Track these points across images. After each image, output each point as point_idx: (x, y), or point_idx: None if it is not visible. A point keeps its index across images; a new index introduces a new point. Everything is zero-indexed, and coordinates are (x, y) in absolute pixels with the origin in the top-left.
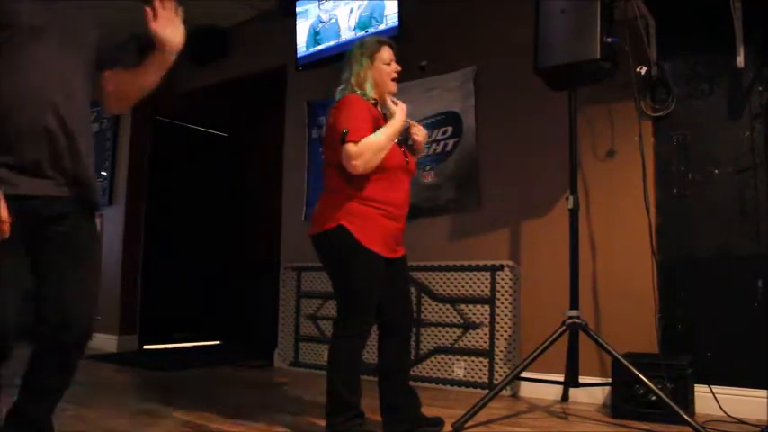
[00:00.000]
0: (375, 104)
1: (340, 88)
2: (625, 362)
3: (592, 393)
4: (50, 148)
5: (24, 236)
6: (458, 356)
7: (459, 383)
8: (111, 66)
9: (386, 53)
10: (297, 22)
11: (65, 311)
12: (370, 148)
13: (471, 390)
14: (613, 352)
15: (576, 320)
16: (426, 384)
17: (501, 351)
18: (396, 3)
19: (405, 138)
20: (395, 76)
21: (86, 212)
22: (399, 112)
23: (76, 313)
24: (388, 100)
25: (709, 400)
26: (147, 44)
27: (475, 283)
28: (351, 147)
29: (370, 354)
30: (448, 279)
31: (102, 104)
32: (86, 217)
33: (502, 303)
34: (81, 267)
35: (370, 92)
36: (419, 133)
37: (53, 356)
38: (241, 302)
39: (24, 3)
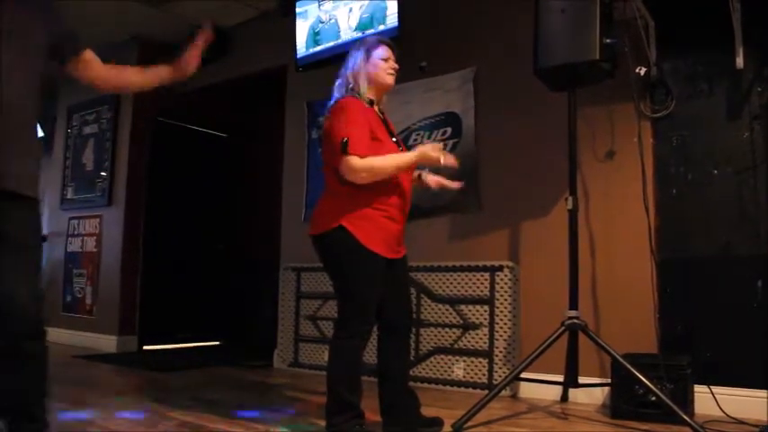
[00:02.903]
0: (371, 104)
1: (337, 83)
2: (624, 362)
3: (591, 394)
4: None
5: None
6: (457, 357)
7: (459, 384)
8: (82, 48)
9: (384, 51)
10: (297, 22)
11: (8, 305)
12: (373, 168)
13: (471, 390)
14: (613, 352)
15: (575, 321)
16: (426, 385)
17: (500, 351)
18: (395, 3)
19: (405, 141)
20: (391, 72)
21: (17, 202)
22: (422, 153)
23: (20, 305)
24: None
25: (709, 400)
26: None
27: (474, 283)
28: (355, 161)
29: (370, 354)
30: (447, 280)
31: (90, 84)
32: (18, 207)
33: (501, 304)
34: (21, 262)
35: (365, 88)
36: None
37: (13, 353)
38: (241, 303)
39: None
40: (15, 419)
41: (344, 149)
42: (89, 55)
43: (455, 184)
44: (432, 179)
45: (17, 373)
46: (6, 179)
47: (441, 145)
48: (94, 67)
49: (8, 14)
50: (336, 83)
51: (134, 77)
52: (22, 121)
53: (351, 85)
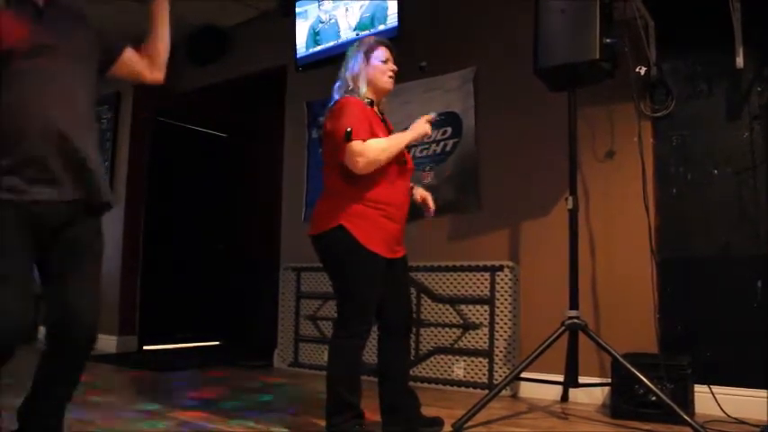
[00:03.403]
0: (371, 105)
1: (336, 85)
2: (625, 362)
3: (591, 394)
4: (56, 156)
5: (32, 240)
6: (457, 357)
7: (459, 384)
8: (119, 51)
9: (382, 52)
10: (297, 22)
11: (71, 312)
12: (375, 147)
13: (471, 390)
14: (613, 352)
15: (575, 321)
16: (426, 385)
17: (501, 351)
18: (395, 3)
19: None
20: (390, 74)
21: (93, 214)
22: (417, 129)
23: (82, 313)
24: (423, 117)
25: (709, 400)
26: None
27: (474, 283)
28: (357, 144)
29: (370, 354)
30: (447, 279)
31: (140, 80)
32: (92, 218)
33: (501, 304)
34: (85, 269)
35: (364, 89)
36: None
37: (61, 357)
38: (241, 303)
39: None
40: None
41: (348, 137)
42: (128, 53)
43: (431, 213)
44: (418, 193)
45: (64, 382)
46: (103, 192)
47: (431, 116)
48: (135, 62)
49: (63, 34)
50: (336, 85)
51: (160, 35)
52: (96, 134)
53: (350, 87)
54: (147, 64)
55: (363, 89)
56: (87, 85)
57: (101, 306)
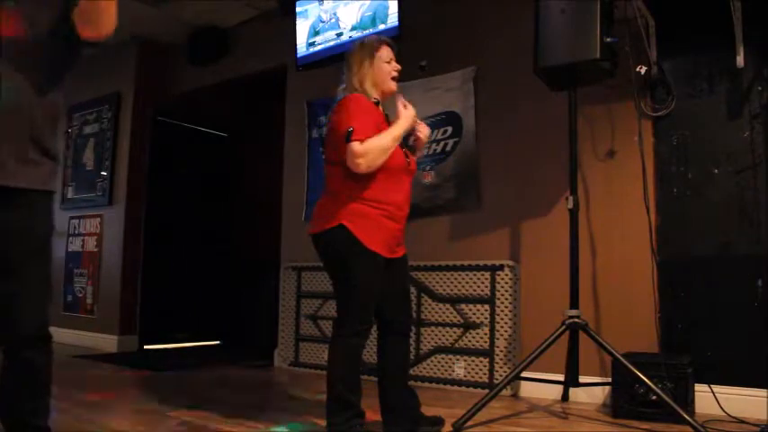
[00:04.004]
0: (377, 104)
1: (341, 88)
2: (625, 361)
3: (592, 393)
4: None
5: None
6: (458, 356)
7: (460, 383)
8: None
9: (385, 52)
10: (297, 21)
11: (3, 309)
12: (375, 148)
13: (471, 389)
14: (613, 351)
15: (576, 320)
16: (426, 384)
17: (501, 351)
18: (396, 2)
19: (405, 139)
20: (395, 74)
21: (21, 199)
22: (407, 116)
23: (13, 310)
24: (399, 102)
25: (710, 399)
26: None
27: (475, 282)
28: (356, 145)
29: (370, 354)
30: (448, 279)
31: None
32: (16, 205)
33: (502, 303)
34: (14, 262)
35: (371, 91)
36: (423, 131)
37: (9, 354)
38: (241, 302)
39: None
40: None
41: (348, 137)
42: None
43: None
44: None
45: (28, 382)
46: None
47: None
48: (76, 17)
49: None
50: (340, 87)
51: None
52: (9, 99)
53: (356, 90)
54: (82, 24)
55: (371, 90)
56: (36, 52)
57: (41, 302)
